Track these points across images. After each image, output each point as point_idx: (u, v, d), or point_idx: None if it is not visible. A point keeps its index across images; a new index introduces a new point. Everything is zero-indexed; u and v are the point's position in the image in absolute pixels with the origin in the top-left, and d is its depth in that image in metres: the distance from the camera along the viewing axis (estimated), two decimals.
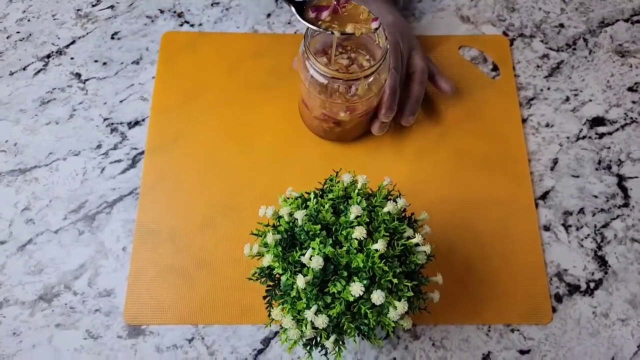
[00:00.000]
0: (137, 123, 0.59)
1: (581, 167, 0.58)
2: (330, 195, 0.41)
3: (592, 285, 0.53)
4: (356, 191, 0.42)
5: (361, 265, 0.38)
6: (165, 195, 0.55)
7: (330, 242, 0.38)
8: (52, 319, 0.50)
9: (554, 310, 0.52)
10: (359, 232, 0.38)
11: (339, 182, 0.43)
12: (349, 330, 0.39)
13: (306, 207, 0.41)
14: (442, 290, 0.44)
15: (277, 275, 0.42)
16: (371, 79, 0.47)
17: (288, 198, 0.43)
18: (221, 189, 0.56)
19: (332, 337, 0.39)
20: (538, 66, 0.63)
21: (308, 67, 0.47)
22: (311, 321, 0.38)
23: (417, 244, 0.40)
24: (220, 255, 0.53)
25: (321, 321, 0.37)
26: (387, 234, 0.39)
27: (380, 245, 0.38)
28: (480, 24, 0.65)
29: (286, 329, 0.39)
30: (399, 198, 0.42)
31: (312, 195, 0.42)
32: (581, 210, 0.56)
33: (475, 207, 0.55)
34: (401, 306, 0.38)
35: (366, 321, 0.38)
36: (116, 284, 0.52)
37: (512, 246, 0.54)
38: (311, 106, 0.52)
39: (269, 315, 0.41)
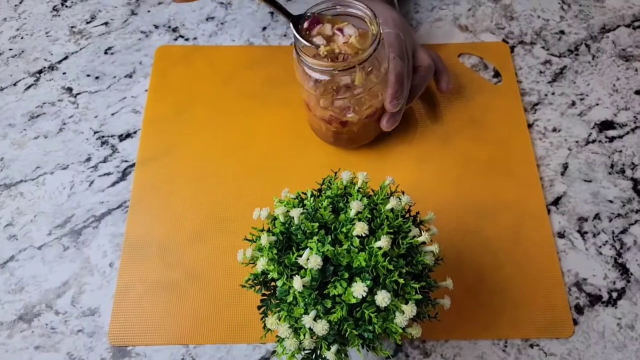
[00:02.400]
0: (128, 135, 0.57)
1: (593, 171, 0.55)
2: (329, 193, 0.38)
3: (614, 295, 0.49)
4: (356, 188, 0.39)
5: (363, 264, 0.34)
6: (156, 208, 0.52)
7: (330, 240, 0.35)
8: (32, 341, 0.46)
9: (575, 322, 0.48)
10: (361, 228, 0.35)
11: (337, 180, 0.40)
12: (351, 339, 0.35)
13: (303, 205, 0.38)
14: (452, 302, 0.40)
15: (273, 284, 0.39)
16: (369, 68, 0.45)
17: (283, 200, 0.40)
18: (214, 201, 0.53)
19: (334, 348, 0.35)
20: (541, 72, 0.61)
21: (304, 68, 0.46)
22: (310, 328, 0.34)
23: (423, 243, 0.37)
24: (213, 270, 0.50)
25: (321, 327, 0.34)
26: (391, 231, 0.36)
27: (383, 242, 0.34)
28: (478, 32, 0.64)
29: (283, 339, 0.35)
30: (402, 195, 0.39)
31: (309, 194, 0.39)
32: (597, 216, 0.53)
33: (484, 213, 0.52)
34: (409, 309, 0.34)
35: (371, 327, 0.35)
36: (101, 302, 0.48)
37: (525, 254, 0.50)
38: (314, 109, 0.50)
39: (264, 326, 0.37)
